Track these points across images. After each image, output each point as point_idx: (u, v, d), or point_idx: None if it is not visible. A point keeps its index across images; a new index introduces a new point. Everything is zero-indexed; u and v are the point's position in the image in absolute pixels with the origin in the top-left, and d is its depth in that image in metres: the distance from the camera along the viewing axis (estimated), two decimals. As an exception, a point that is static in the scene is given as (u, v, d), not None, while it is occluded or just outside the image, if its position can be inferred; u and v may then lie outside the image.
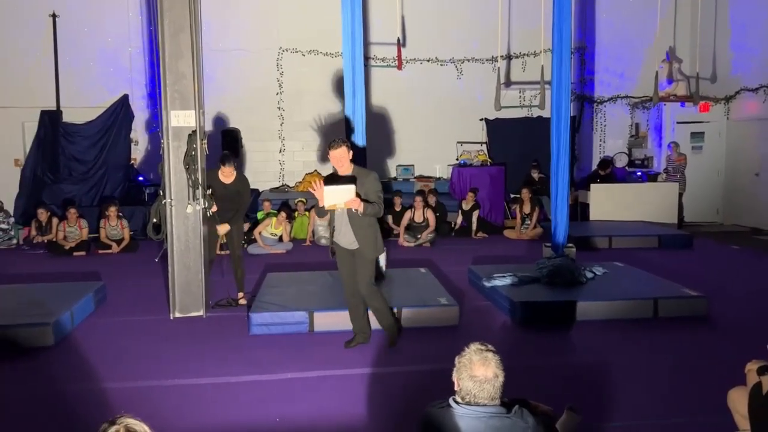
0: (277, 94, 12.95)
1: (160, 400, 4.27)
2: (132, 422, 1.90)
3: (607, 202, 11.48)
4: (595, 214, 11.54)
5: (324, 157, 13.06)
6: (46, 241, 10.31)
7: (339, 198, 4.77)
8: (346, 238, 5.04)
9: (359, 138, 6.89)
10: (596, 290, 6.47)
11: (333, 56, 12.61)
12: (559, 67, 7.34)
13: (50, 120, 11.75)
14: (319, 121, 13.04)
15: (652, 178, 12.26)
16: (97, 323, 6.06)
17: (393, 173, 13.00)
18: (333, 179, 4.97)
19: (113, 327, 5.94)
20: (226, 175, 6.39)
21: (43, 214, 10.56)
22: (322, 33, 12.32)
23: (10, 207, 11.32)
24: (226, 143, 11.70)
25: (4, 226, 10.74)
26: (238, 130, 12.28)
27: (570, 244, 7.74)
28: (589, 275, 6.85)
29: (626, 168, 13.06)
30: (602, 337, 5.54)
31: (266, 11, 12.55)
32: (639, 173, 12.68)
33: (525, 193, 11.09)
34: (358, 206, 4.78)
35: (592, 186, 11.73)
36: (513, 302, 6.04)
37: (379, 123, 12.77)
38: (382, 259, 7.01)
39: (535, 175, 12.31)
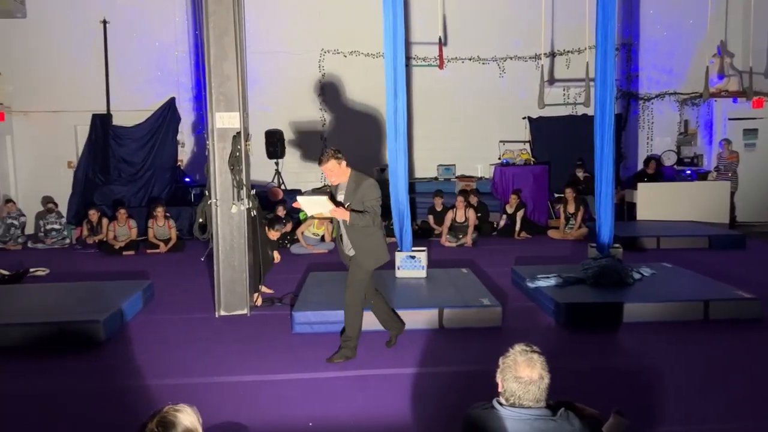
0: (319, 95, 13.05)
1: (205, 397, 4.34)
2: (172, 410, 1.92)
3: (655, 202, 11.19)
4: (642, 213, 11.26)
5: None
6: (97, 240, 10.63)
7: (316, 208, 4.81)
8: (345, 244, 5.00)
9: (401, 138, 6.88)
10: (644, 291, 6.31)
11: (374, 57, 12.63)
12: (603, 63, 7.20)
13: (101, 123, 12.12)
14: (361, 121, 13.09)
15: (702, 176, 11.90)
16: (145, 320, 6.21)
17: (434, 173, 12.94)
18: (319, 191, 5.10)
19: (161, 324, 6.09)
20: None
21: (94, 215, 10.90)
22: (364, 34, 12.36)
23: (63, 208, 11.73)
24: (270, 144, 11.86)
25: (57, 226, 11.12)
26: (281, 131, 12.42)
27: (616, 245, 7.58)
28: (637, 276, 6.70)
29: (675, 166, 12.72)
30: (650, 340, 5.40)
31: (308, 13, 12.66)
32: (688, 171, 12.33)
33: (569, 193, 10.91)
34: (342, 216, 4.73)
35: (639, 185, 11.45)
36: (558, 303, 5.94)
37: (420, 122, 12.75)
38: (424, 260, 7.00)
39: (580, 174, 12.09)
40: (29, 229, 11.64)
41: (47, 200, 11.64)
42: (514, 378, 2.33)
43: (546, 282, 6.54)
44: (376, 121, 12.57)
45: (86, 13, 12.24)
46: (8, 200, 11.36)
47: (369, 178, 4.97)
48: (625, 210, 11.70)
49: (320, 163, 4.92)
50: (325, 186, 5.16)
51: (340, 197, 4.88)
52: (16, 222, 11.06)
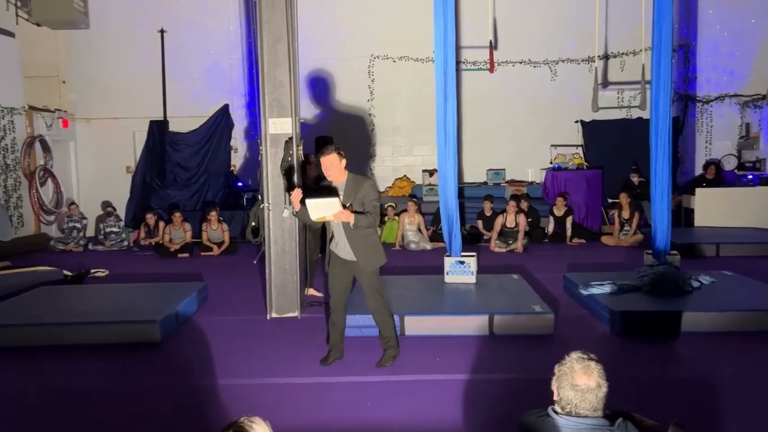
0: (368, 100, 13.13)
1: (256, 398, 4.41)
2: (247, 422, 1.96)
3: (714, 208, 10.82)
4: (700, 219, 10.90)
5: (414, 161, 13.13)
6: (153, 243, 10.95)
7: (324, 211, 4.57)
8: (343, 249, 4.80)
9: (450, 142, 6.85)
10: (704, 300, 6.10)
11: (424, 62, 12.64)
12: (658, 65, 7.00)
13: (158, 129, 12.51)
14: (410, 126, 13.11)
15: (765, 181, 11.43)
16: (199, 321, 6.36)
17: (483, 177, 12.84)
18: (319, 191, 4.72)
19: (214, 325, 6.21)
20: None
21: (151, 218, 11.24)
22: (414, 39, 12.39)
23: (122, 211, 12.14)
24: (320, 150, 11.98)
25: (116, 229, 11.52)
26: (331, 138, 12.53)
27: (673, 251, 7.35)
28: (695, 284, 6.48)
29: (735, 171, 12.26)
30: (712, 350, 5.22)
31: (359, 20, 12.76)
32: (750, 176, 11.86)
33: (624, 198, 10.65)
34: (348, 219, 4.57)
35: (697, 190, 11.10)
36: (612, 311, 5.80)
37: (469, 126, 12.68)
38: (473, 265, 6.94)
39: (635, 179, 11.79)
40: (90, 232, 12.08)
41: (107, 204, 12.09)
42: (571, 386, 2.28)
43: (600, 289, 6.39)
44: (426, 126, 12.54)
45: (145, 23, 12.65)
46: (72, 203, 11.82)
47: (368, 178, 4.97)
48: (682, 216, 11.36)
49: (321, 154, 4.73)
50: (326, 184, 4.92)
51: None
52: (78, 225, 11.50)
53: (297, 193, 4.71)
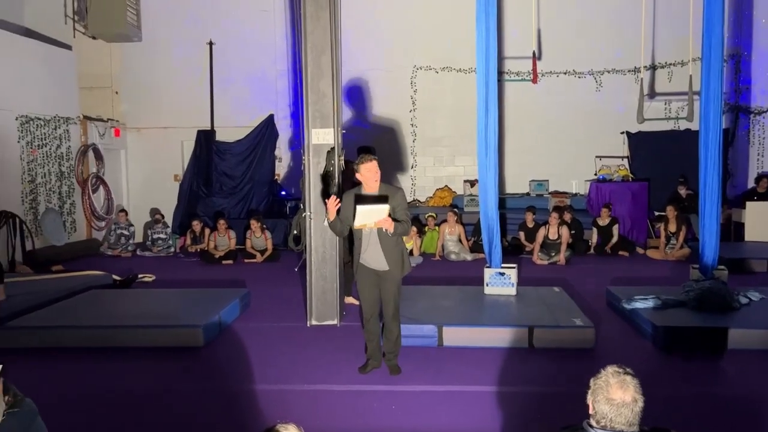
0: (410, 111, 13.19)
1: (294, 403, 4.48)
2: (282, 428, 2.01)
3: (765, 222, 10.45)
4: (751, 234, 10.56)
5: (455, 172, 13.11)
6: (199, 249, 11.21)
7: (371, 218, 4.59)
8: (375, 259, 4.81)
9: (491, 153, 6.83)
10: (752, 317, 5.92)
11: (467, 72, 12.65)
12: (708, 75, 6.85)
13: (205, 139, 12.82)
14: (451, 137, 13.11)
15: (820, 195, 11.02)
16: (242, 327, 6.48)
17: (526, 188, 12.74)
18: (361, 198, 4.72)
19: (256, 331, 6.33)
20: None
21: (197, 225, 11.52)
22: (457, 50, 12.42)
23: (169, 218, 12.48)
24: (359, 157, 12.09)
25: (163, 236, 11.85)
26: (374, 148, 12.64)
27: (721, 267, 7.15)
28: (744, 300, 6.30)
29: (789, 184, 11.84)
30: (757, 369, 5.06)
31: (401, 31, 12.85)
32: (805, 190, 11.44)
33: (671, 211, 10.41)
34: (390, 226, 4.61)
35: (748, 204, 10.76)
36: (655, 326, 5.68)
37: (512, 137, 12.61)
38: (513, 277, 6.90)
39: (683, 191, 11.52)
40: (138, 238, 12.45)
41: (155, 212, 12.44)
42: (606, 400, 2.26)
43: (643, 303, 6.27)
44: (468, 136, 12.53)
45: (195, 35, 13.01)
46: (120, 210, 12.22)
47: (400, 188, 5.02)
48: (731, 230, 11.02)
49: (361, 161, 4.73)
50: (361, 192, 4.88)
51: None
52: (125, 232, 11.87)
53: (333, 201, 4.77)
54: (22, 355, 5.47)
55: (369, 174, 4.73)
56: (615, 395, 2.26)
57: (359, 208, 4.54)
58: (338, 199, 4.80)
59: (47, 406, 3.24)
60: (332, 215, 4.81)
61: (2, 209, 9.39)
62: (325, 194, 6.15)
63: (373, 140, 12.57)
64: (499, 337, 5.65)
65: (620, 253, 10.67)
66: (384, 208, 4.57)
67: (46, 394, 3.28)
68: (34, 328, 6.00)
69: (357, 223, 4.66)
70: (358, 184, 4.93)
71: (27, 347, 5.71)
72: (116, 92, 13.45)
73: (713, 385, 4.85)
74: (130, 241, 11.88)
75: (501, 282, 6.87)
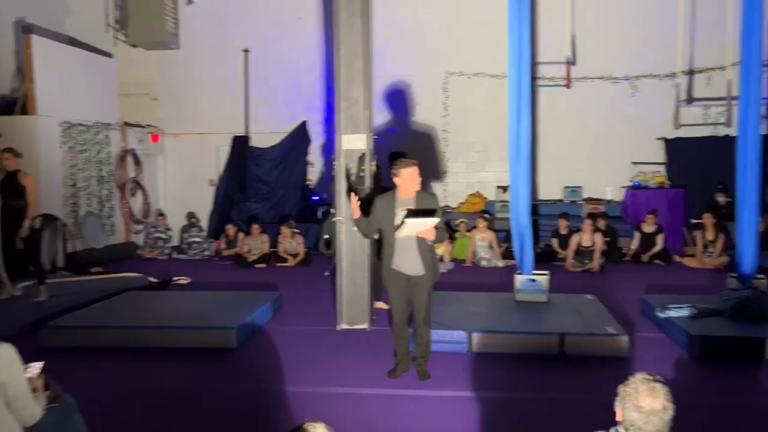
0: (442, 117, 13.19)
1: (323, 406, 4.53)
2: (310, 427, 2.06)
3: (809, 230, 10.15)
4: (793, 243, 10.26)
5: (487, 177, 13.05)
6: (233, 253, 11.39)
7: (416, 229, 4.60)
8: (411, 264, 4.81)
9: (524, 159, 6.79)
10: (792, 327, 5.77)
11: (499, 78, 12.58)
12: (747, 80, 6.72)
13: (240, 145, 13.03)
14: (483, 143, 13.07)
15: None
16: (273, 330, 6.57)
17: (559, 195, 12.61)
18: (408, 209, 4.71)
19: (287, 334, 6.40)
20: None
21: (231, 229, 11.70)
22: (489, 55, 12.37)
23: (204, 222, 12.71)
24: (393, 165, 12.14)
25: (198, 239, 12.07)
26: (406, 153, 12.66)
27: (760, 276, 6.96)
28: (783, 311, 6.13)
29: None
30: (798, 381, 4.93)
31: (434, 37, 12.87)
32: None
33: (708, 218, 10.20)
34: (432, 236, 4.64)
35: (789, 212, 10.46)
36: (691, 335, 5.58)
37: (545, 143, 12.50)
38: (545, 284, 6.85)
39: (721, 198, 11.27)
40: (174, 241, 12.70)
41: (191, 216, 12.69)
42: (635, 407, 2.25)
43: (678, 312, 6.16)
44: (500, 142, 12.45)
45: (231, 43, 13.24)
46: (160, 215, 12.50)
47: (434, 194, 5.07)
48: (772, 239, 10.73)
49: (403, 166, 4.70)
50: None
51: (405, 212, 4.74)
52: (163, 235, 12.13)
53: (355, 200, 4.81)
54: (62, 354, 5.64)
55: (410, 179, 4.71)
56: (644, 402, 2.24)
57: (408, 220, 4.56)
58: (358, 198, 4.86)
59: (83, 402, 3.35)
60: (356, 213, 4.85)
61: (45, 212, 9.68)
62: (351, 192, 6.22)
63: (404, 146, 12.61)
64: (530, 343, 5.62)
65: (656, 261, 10.49)
66: (433, 222, 4.59)
67: (83, 392, 3.38)
68: (73, 327, 6.18)
69: (402, 233, 4.67)
70: (386, 188, 4.97)
71: (67, 346, 5.88)
72: (154, 99, 13.77)
73: (749, 397, 4.73)
74: (167, 244, 12.13)
75: (532, 288, 6.82)
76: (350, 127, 6.53)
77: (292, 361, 5.54)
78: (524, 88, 6.73)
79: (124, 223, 12.33)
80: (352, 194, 4.90)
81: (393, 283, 4.96)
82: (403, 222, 4.60)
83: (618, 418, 2.33)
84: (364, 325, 6.53)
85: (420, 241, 4.76)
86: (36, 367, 3.05)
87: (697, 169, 11.72)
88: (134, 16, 12.40)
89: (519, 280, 6.89)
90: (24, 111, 10.23)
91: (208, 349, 5.82)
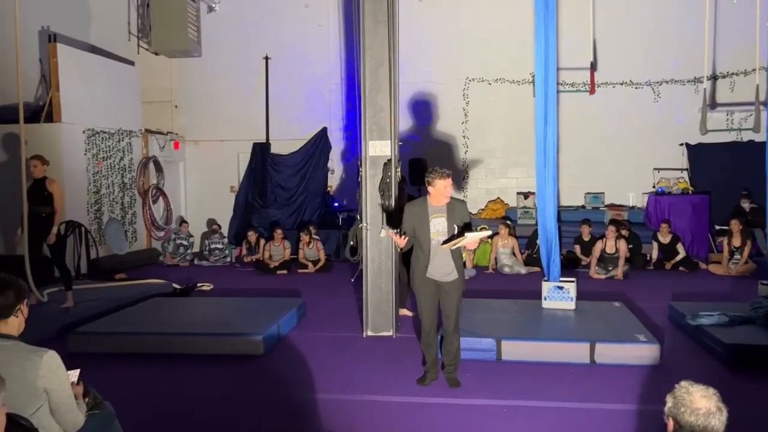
0: (462, 123, 13.17)
1: (352, 413, 4.50)
2: None
3: (838, 237, 10.00)
4: (821, 249, 10.11)
5: (508, 184, 13.00)
6: (254, 259, 11.42)
7: (463, 241, 4.66)
8: (443, 270, 4.82)
9: (550, 164, 6.74)
10: (827, 336, 5.66)
11: (520, 84, 12.60)
12: (778, 85, 6.64)
13: (260, 151, 13.09)
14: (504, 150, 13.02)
15: None
16: (299, 336, 6.56)
17: (581, 201, 12.51)
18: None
19: (313, 341, 6.39)
20: None
21: (252, 236, 11.74)
22: (509, 62, 12.37)
23: (225, 229, 12.76)
24: (414, 172, 12.12)
25: (220, 246, 12.12)
26: (425, 160, 12.66)
27: (792, 283, 6.88)
28: (818, 319, 6.02)
29: None
30: (836, 391, 4.83)
31: (455, 43, 12.87)
32: None
33: (735, 225, 10.07)
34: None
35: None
36: (723, 344, 5.49)
37: (567, 149, 12.40)
38: (572, 291, 6.78)
39: (746, 205, 11.13)
40: (195, 248, 12.77)
41: (212, 222, 12.76)
42: (692, 411, 2.18)
43: (709, 320, 6.07)
44: (521, 148, 12.43)
45: (252, 50, 13.34)
46: (182, 222, 12.57)
47: (464, 201, 5.24)
48: (800, 245, 10.57)
49: (441, 176, 4.75)
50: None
51: (440, 218, 4.78)
52: (185, 242, 12.20)
53: (399, 238, 4.84)
54: (90, 360, 5.65)
55: (444, 191, 4.77)
56: (700, 404, 2.19)
57: (468, 234, 4.65)
58: (398, 232, 4.92)
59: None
60: (401, 245, 4.87)
61: (70, 219, 9.77)
62: (390, 218, 6.31)
63: (423, 152, 12.62)
64: (559, 351, 5.55)
65: (680, 268, 10.38)
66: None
67: (112, 398, 3.38)
68: (101, 333, 6.21)
69: (456, 245, 4.69)
70: (410, 196, 5.05)
71: (94, 352, 5.90)
72: (176, 106, 13.88)
73: (787, 407, 4.65)
74: (189, 251, 12.19)
75: (560, 296, 6.76)
76: (376, 134, 6.53)
77: (319, 368, 5.52)
78: (551, 93, 6.69)
79: (145, 229, 12.41)
80: (394, 234, 4.94)
81: (423, 290, 4.94)
82: (462, 235, 4.65)
83: (670, 428, 2.28)
84: (390, 333, 6.50)
85: (456, 248, 4.78)
86: (74, 374, 3.06)
87: (720, 175, 11.60)
88: (157, 25, 12.52)
89: (546, 287, 6.83)
90: (49, 118, 10.35)
91: (236, 356, 5.82)
